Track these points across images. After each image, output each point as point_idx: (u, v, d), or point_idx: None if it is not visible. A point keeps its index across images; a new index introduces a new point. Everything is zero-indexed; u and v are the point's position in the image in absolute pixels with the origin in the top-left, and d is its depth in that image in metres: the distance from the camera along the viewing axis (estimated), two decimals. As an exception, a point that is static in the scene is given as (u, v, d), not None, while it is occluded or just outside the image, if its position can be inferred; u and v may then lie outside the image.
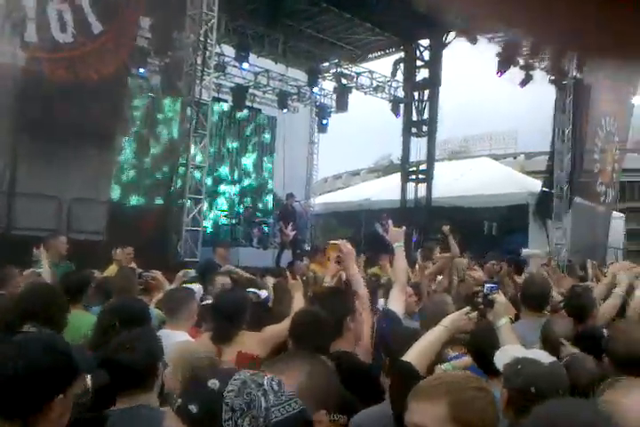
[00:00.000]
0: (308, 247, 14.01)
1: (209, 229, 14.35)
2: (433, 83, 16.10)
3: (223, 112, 17.17)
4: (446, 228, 6.42)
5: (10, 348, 1.61)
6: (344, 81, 17.71)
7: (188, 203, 10.16)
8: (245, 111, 17.77)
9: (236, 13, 12.69)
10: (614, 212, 18.52)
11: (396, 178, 18.00)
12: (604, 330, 3.01)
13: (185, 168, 10.24)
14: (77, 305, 3.86)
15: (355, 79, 17.97)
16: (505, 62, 14.31)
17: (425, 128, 16.22)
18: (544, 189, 15.46)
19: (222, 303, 3.37)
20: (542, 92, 15.68)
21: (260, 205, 18.24)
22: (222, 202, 17.10)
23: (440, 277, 6.34)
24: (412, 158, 16.41)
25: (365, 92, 18.48)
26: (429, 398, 1.62)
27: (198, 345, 2.88)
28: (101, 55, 9.26)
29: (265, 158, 18.89)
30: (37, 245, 5.16)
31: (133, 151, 13.70)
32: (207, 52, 10.39)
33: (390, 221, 4.18)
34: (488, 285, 2.89)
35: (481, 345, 2.69)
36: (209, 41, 10.38)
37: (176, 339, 3.13)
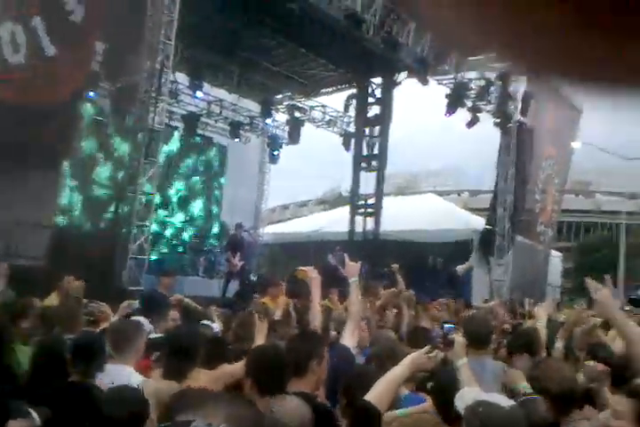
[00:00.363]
0: (254, 277, 13.85)
1: (154, 257, 14.02)
2: (384, 119, 16.47)
3: (174, 140, 17.02)
4: (396, 266, 6.92)
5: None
6: (297, 114, 17.92)
7: (135, 230, 9.91)
8: (197, 139, 17.68)
9: (192, 42, 12.72)
10: (553, 251, 19.15)
11: (344, 210, 18.15)
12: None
13: (133, 195, 10.03)
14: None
15: (307, 112, 18.21)
16: (453, 104, 14.81)
17: (374, 163, 16.51)
18: (487, 226, 15.89)
19: (176, 339, 3.27)
20: (489, 131, 16.26)
21: (208, 234, 18.01)
22: (169, 230, 16.80)
23: (387, 312, 6.43)
24: (361, 191, 16.66)
25: (317, 126, 18.75)
26: None
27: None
28: (54, 78, 9.08)
29: (214, 186, 18.75)
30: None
31: (79, 175, 13.35)
32: (162, 80, 10.32)
33: (346, 255, 4.21)
34: (447, 325, 2.92)
35: (444, 391, 2.66)
36: (165, 69, 10.32)
37: (123, 375, 3.01)
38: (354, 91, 17.27)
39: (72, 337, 3.03)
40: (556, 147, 17.25)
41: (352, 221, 16.44)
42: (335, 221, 18.10)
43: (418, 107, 35.92)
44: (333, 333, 4.60)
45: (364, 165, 16.67)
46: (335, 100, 18.52)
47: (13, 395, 2.56)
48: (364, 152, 16.70)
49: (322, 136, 19.46)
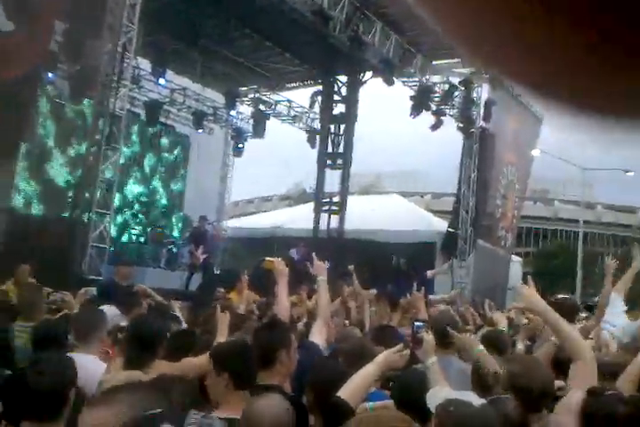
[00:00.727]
0: (217, 271, 13.70)
1: (114, 247, 13.74)
2: (349, 118, 16.50)
3: (135, 126, 16.66)
4: (351, 267, 7.21)
5: None
6: (262, 107, 17.75)
7: (95, 218, 9.67)
8: (158, 127, 17.31)
9: (155, 28, 12.34)
10: (513, 255, 19.50)
11: (308, 207, 18.12)
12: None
13: (94, 181, 9.77)
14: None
15: (273, 106, 18.07)
16: (418, 106, 14.90)
17: (340, 161, 16.53)
18: (450, 229, 16.07)
19: (138, 329, 3.19)
20: (452, 135, 16.45)
21: (169, 226, 17.73)
22: (130, 219, 16.47)
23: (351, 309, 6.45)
24: (326, 189, 16.66)
25: (283, 121, 18.65)
26: None
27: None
28: (9, 55, 8.76)
29: (176, 177, 18.47)
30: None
31: (37, 159, 12.95)
32: (124, 64, 10.04)
33: (314, 254, 4.21)
34: (417, 323, 2.92)
35: (412, 389, 2.65)
36: (127, 52, 10.05)
37: (87, 364, 2.93)
38: (319, 88, 17.24)
39: (32, 325, 2.91)
40: (516, 154, 17.53)
41: (316, 219, 16.42)
42: (299, 218, 18.04)
43: (383, 107, 36.22)
44: (301, 327, 4.60)
45: (329, 162, 16.69)
46: (301, 96, 18.45)
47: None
48: (329, 150, 16.71)
49: (287, 131, 19.40)
